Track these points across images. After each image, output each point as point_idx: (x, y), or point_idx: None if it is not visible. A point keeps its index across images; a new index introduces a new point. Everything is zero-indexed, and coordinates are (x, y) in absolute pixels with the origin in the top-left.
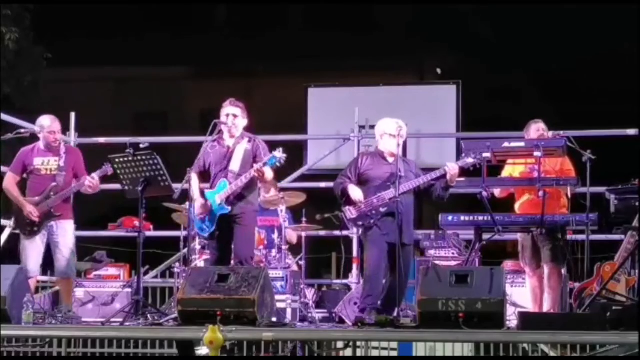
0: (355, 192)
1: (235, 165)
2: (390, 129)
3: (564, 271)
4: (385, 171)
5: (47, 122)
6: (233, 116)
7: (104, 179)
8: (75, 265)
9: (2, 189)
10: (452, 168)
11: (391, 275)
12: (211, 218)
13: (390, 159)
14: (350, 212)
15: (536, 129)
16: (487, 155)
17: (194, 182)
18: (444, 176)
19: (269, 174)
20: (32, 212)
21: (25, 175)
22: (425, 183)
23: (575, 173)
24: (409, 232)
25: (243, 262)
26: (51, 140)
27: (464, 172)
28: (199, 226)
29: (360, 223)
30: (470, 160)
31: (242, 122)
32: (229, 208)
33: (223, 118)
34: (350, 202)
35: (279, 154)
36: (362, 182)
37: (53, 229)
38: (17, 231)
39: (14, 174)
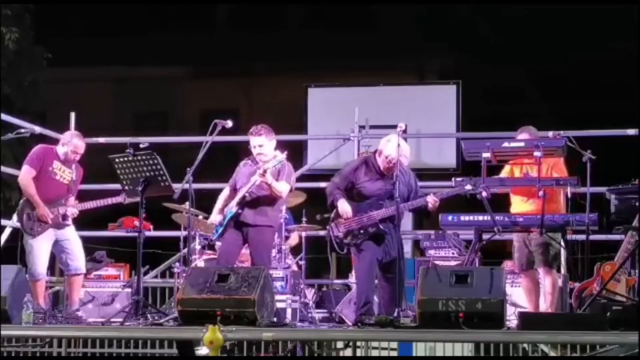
0: (345, 209)
1: (254, 178)
2: (392, 154)
3: (563, 271)
4: (379, 187)
5: (78, 142)
6: (259, 146)
7: (103, 179)
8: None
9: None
10: (432, 201)
11: (386, 287)
12: (222, 221)
13: (387, 172)
14: (336, 229)
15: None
16: (487, 155)
17: (222, 195)
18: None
19: (276, 184)
20: (47, 214)
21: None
22: (416, 206)
23: (568, 174)
24: (401, 248)
25: None
26: (71, 159)
27: (464, 172)
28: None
29: (346, 241)
30: (468, 187)
31: (269, 149)
32: (236, 209)
33: (252, 150)
34: (339, 215)
35: (281, 156)
36: (354, 195)
37: (61, 229)
38: (19, 225)
39: (33, 168)
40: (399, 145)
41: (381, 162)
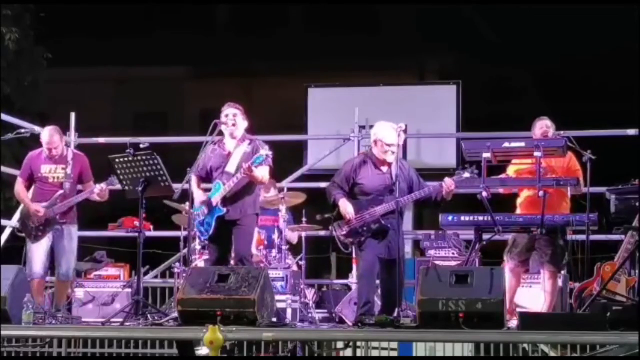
0: (347, 208)
1: (231, 166)
2: (388, 138)
3: (563, 271)
4: (379, 183)
5: (44, 137)
6: (233, 115)
7: (103, 179)
8: (74, 268)
9: None
10: (449, 183)
11: (387, 284)
12: (209, 220)
13: (385, 168)
14: (340, 228)
15: (540, 126)
16: (487, 155)
17: (193, 183)
18: (438, 190)
19: (259, 173)
20: (37, 210)
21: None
22: (420, 196)
23: (581, 173)
24: (402, 246)
25: (242, 259)
26: (52, 155)
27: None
28: (199, 228)
29: (350, 240)
30: (466, 175)
31: (243, 122)
32: (224, 209)
33: (223, 119)
34: (340, 214)
35: (265, 151)
36: (354, 193)
37: (59, 232)
38: (23, 234)
39: (21, 178)
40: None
41: (378, 150)
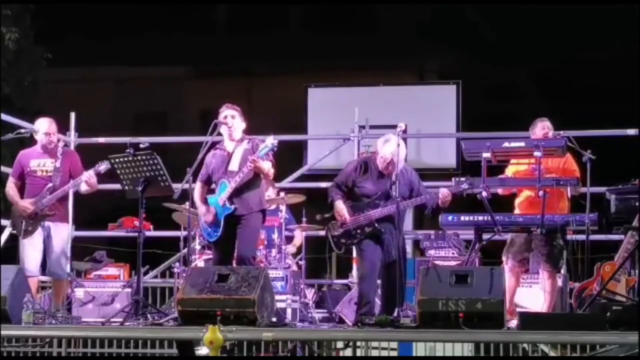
0: (341, 209)
1: (234, 165)
2: (385, 155)
3: (563, 271)
4: (378, 187)
5: (43, 125)
6: (231, 117)
7: (104, 179)
8: (66, 266)
9: None
10: (445, 194)
11: (387, 284)
12: (217, 222)
13: (385, 171)
14: (334, 229)
15: (541, 127)
16: (487, 155)
17: (197, 192)
18: (435, 199)
19: (265, 165)
20: (26, 206)
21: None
22: (417, 203)
23: (579, 173)
24: (402, 246)
25: (245, 261)
26: (46, 142)
27: (464, 172)
28: (207, 232)
29: (343, 241)
30: (464, 187)
31: (241, 123)
32: (232, 207)
33: (223, 120)
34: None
35: (270, 140)
36: (354, 195)
37: (49, 229)
38: (14, 231)
39: (14, 178)
40: (398, 145)
41: (379, 163)
